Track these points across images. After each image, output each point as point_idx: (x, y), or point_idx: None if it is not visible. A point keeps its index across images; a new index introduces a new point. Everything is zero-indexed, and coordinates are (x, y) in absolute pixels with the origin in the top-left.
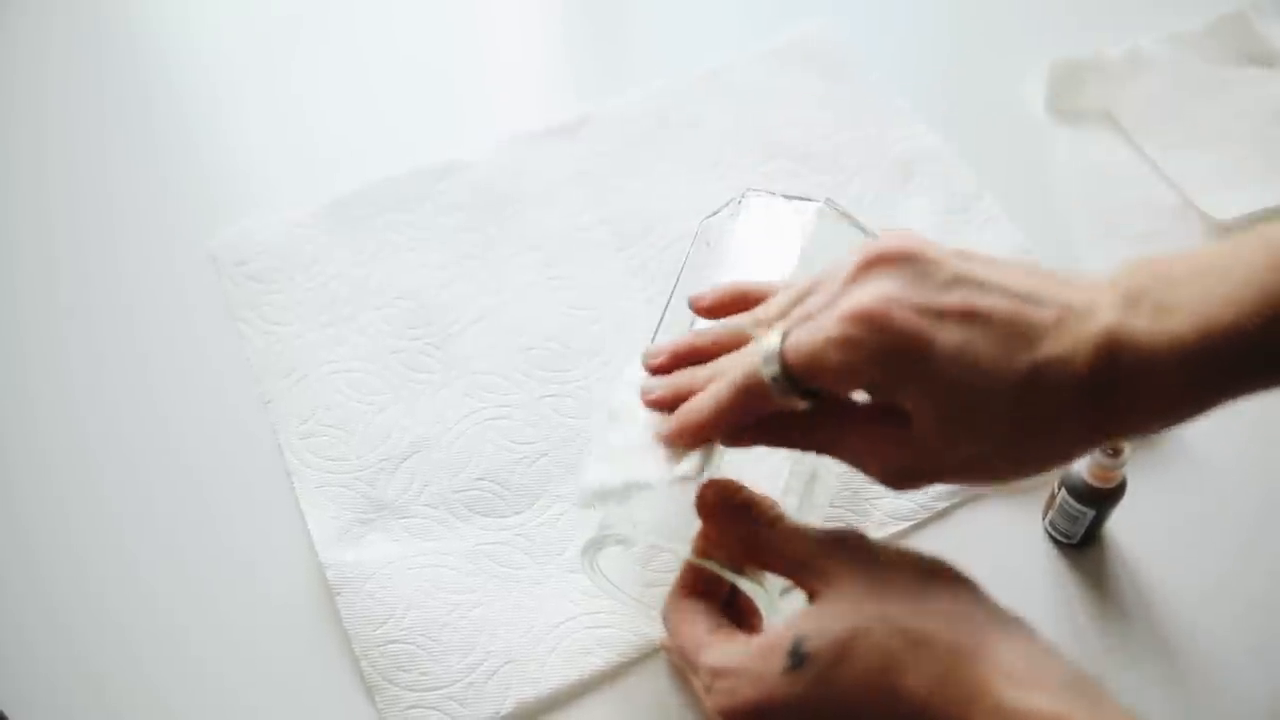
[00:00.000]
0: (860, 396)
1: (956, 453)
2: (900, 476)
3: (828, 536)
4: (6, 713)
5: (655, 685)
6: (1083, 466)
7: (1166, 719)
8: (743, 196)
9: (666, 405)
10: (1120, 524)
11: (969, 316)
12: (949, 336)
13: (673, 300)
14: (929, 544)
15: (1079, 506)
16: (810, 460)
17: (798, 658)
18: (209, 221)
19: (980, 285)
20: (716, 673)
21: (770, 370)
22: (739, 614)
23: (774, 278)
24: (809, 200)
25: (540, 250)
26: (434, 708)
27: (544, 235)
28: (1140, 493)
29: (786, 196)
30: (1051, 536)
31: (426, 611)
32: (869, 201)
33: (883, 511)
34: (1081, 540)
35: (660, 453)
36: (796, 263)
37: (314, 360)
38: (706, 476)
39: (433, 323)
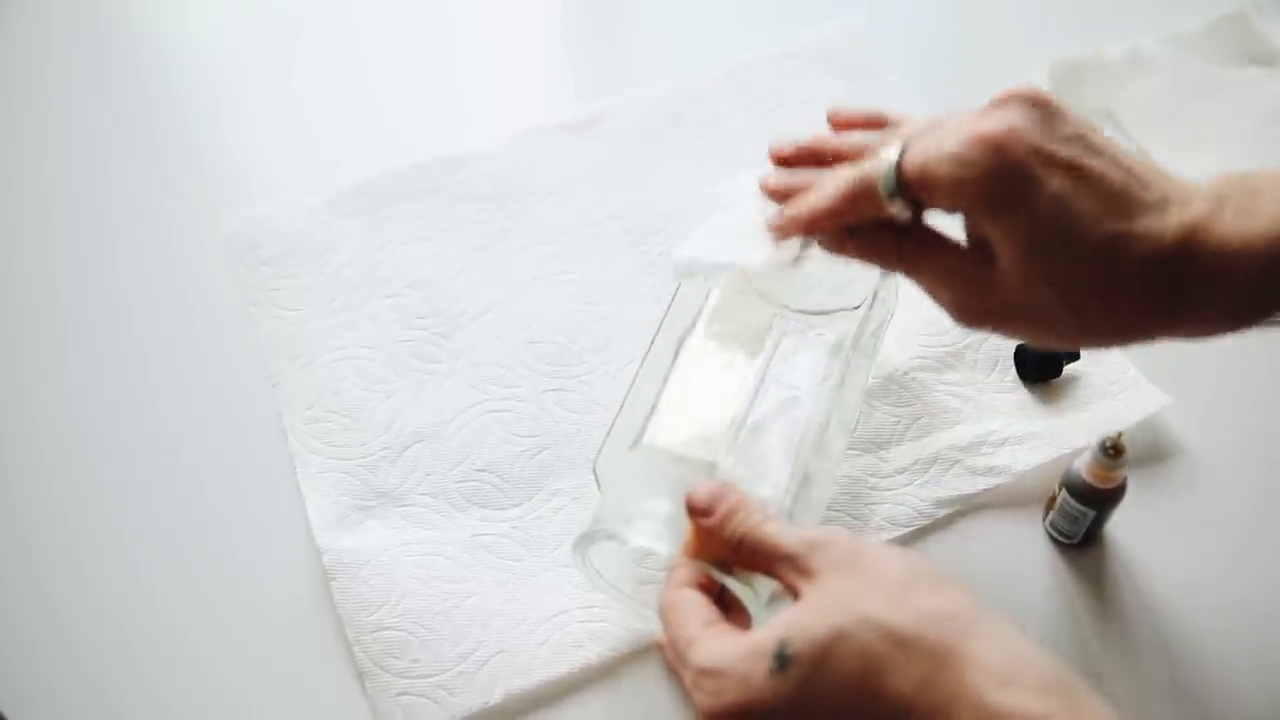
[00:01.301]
0: (958, 235)
1: (1029, 296)
2: (969, 311)
3: (811, 535)
4: None
5: (646, 680)
6: (1083, 467)
7: (1166, 719)
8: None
9: (780, 197)
10: (1120, 524)
11: (1079, 171)
12: (1055, 182)
13: (675, 300)
14: (930, 548)
15: (1080, 507)
16: (805, 461)
17: (782, 660)
18: (225, 206)
19: (1097, 149)
20: (703, 672)
21: (884, 173)
22: (731, 605)
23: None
24: None
25: (551, 245)
26: (424, 695)
27: (555, 230)
28: (1141, 493)
29: None
30: (1052, 537)
31: (420, 600)
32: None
33: (882, 517)
34: (1082, 541)
35: (761, 239)
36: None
37: (322, 346)
38: (799, 265)
39: (441, 313)
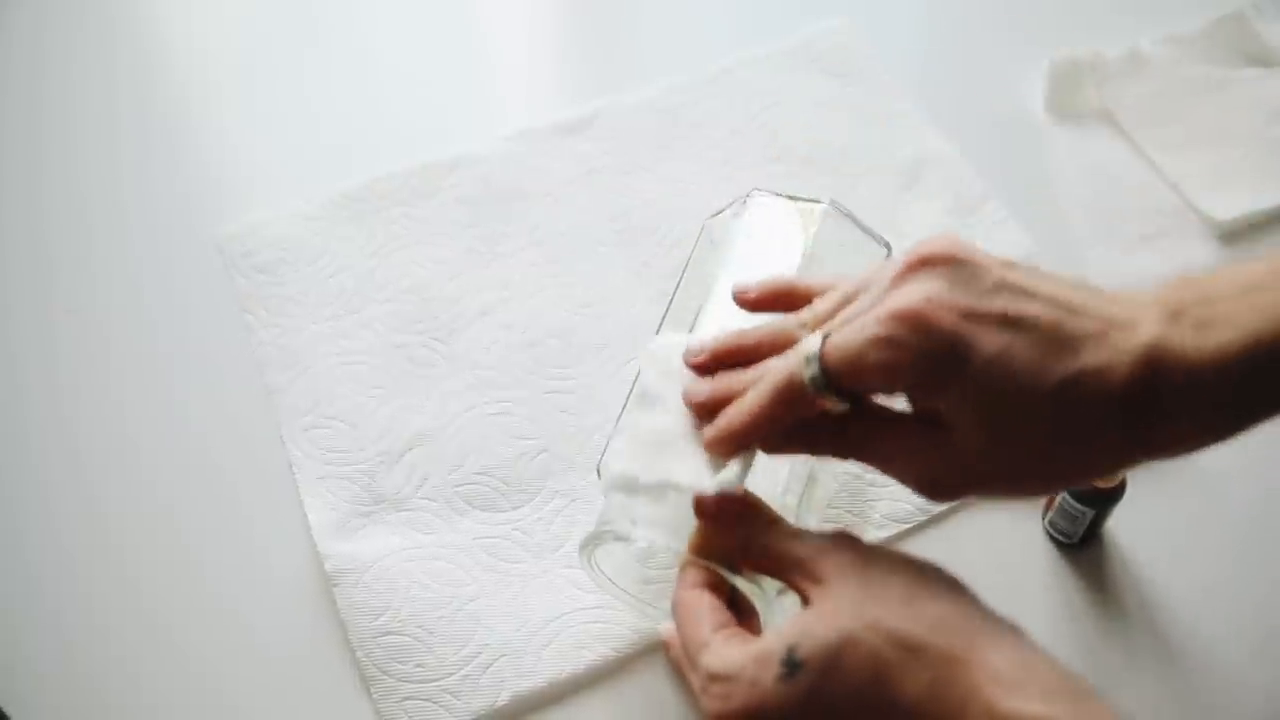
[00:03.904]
0: (900, 405)
1: (992, 460)
2: (935, 485)
3: (821, 540)
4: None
5: (651, 680)
6: None
7: (1165, 719)
8: (748, 196)
9: (706, 412)
10: (1120, 524)
11: (1011, 322)
12: (990, 340)
13: (675, 298)
14: (929, 545)
15: (1079, 506)
16: (809, 462)
17: (792, 665)
18: (216, 213)
19: (1024, 292)
20: (713, 676)
21: (810, 371)
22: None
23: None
24: (814, 201)
25: (546, 247)
26: (429, 699)
27: (550, 232)
28: (1140, 493)
29: (791, 197)
30: (1051, 536)
31: (423, 604)
32: (875, 204)
33: (881, 513)
34: (1081, 540)
35: (699, 457)
36: (799, 263)
37: (318, 352)
38: (747, 473)
39: (437, 317)
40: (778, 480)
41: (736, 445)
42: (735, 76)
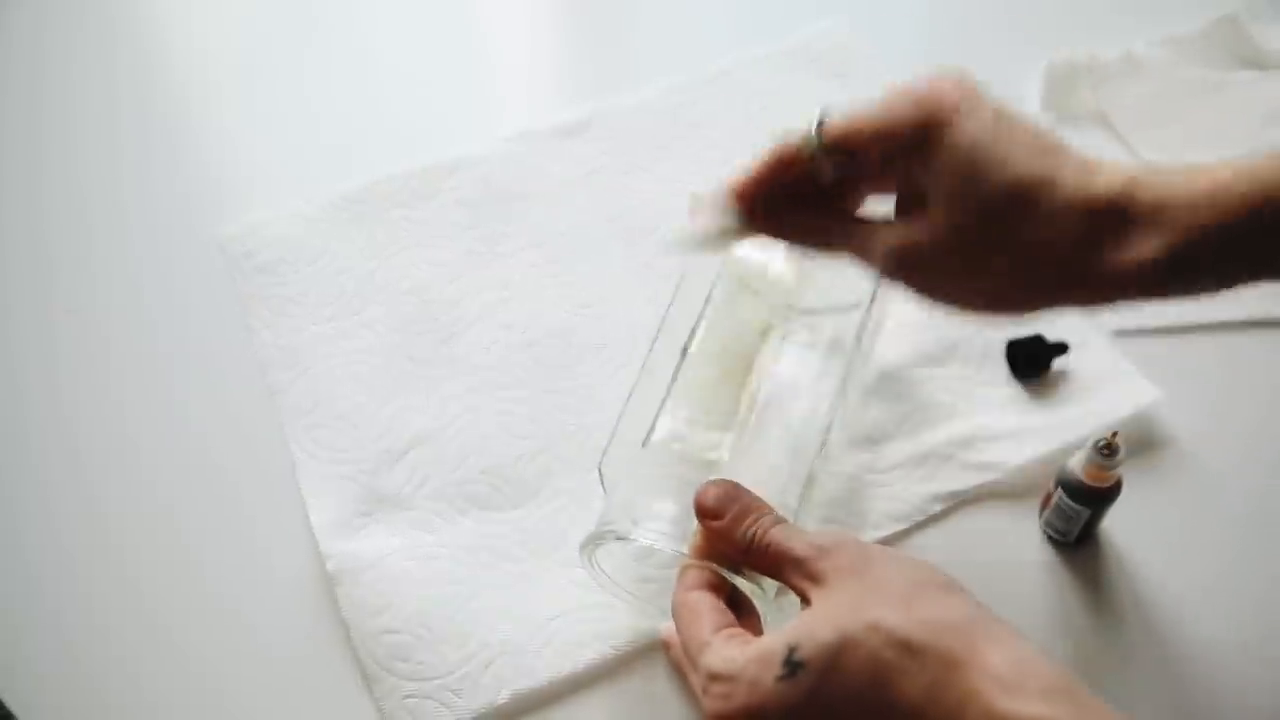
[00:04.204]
0: (884, 211)
1: (956, 239)
2: (901, 259)
3: (821, 540)
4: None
5: (650, 678)
6: (1078, 466)
7: (1162, 718)
8: None
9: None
10: (1117, 524)
11: (1005, 117)
12: (986, 117)
13: (675, 298)
14: (927, 545)
15: (1075, 506)
16: (809, 462)
17: (792, 666)
18: (217, 213)
19: (1019, 115)
20: (714, 676)
21: (806, 134)
22: (742, 605)
23: (773, 271)
24: None
25: (546, 247)
26: (430, 697)
27: (550, 232)
28: (1137, 493)
29: None
30: (1048, 535)
31: (424, 602)
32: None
33: (878, 513)
34: (1077, 539)
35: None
36: (797, 268)
37: (320, 353)
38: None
39: (438, 317)
40: (778, 480)
41: (736, 197)
42: (734, 77)
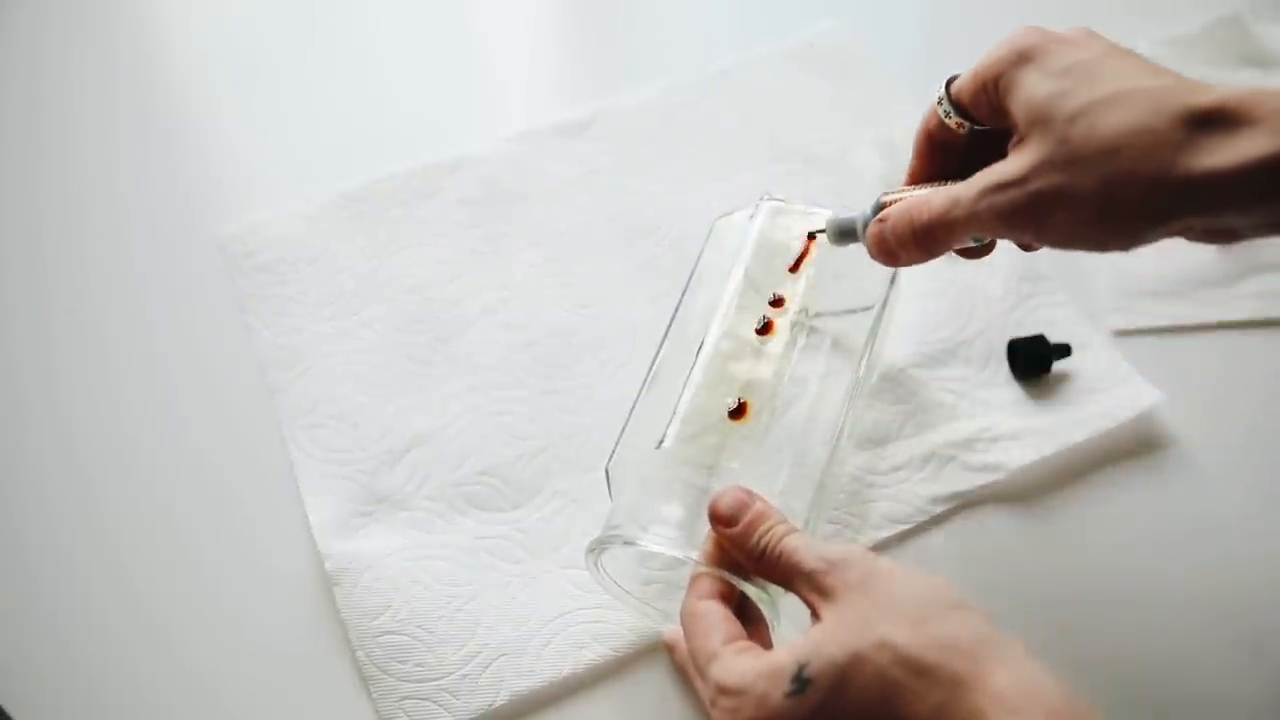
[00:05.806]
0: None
1: (1049, 161)
2: (1000, 185)
3: (831, 555)
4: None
5: (651, 680)
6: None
7: (1161, 719)
8: (759, 202)
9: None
10: (1115, 524)
11: (1099, 46)
12: (1076, 44)
13: (683, 300)
14: (928, 545)
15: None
16: (819, 469)
17: (801, 682)
18: (217, 213)
19: None
20: (722, 689)
21: (939, 100)
22: (751, 614)
23: (787, 273)
24: (820, 210)
25: (546, 247)
26: (429, 699)
27: (550, 232)
28: (1137, 493)
29: (802, 206)
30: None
31: (423, 603)
32: None
33: (880, 514)
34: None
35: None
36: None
37: (319, 352)
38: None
39: (438, 317)
40: (790, 487)
41: (914, 151)
42: (735, 77)
